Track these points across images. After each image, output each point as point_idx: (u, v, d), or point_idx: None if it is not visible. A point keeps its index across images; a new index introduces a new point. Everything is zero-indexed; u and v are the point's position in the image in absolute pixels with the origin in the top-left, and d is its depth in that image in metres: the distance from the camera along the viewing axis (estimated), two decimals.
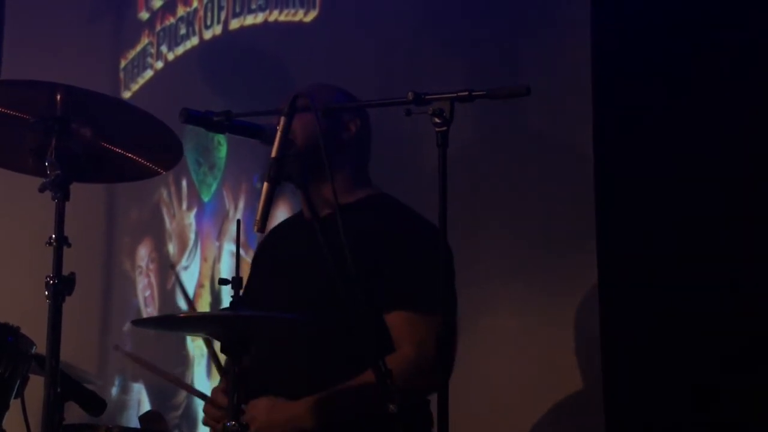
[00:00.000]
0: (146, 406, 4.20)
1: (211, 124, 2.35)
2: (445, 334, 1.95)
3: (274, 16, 4.02)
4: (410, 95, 2.10)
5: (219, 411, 2.38)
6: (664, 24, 2.88)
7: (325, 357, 2.39)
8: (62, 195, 2.08)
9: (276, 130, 2.33)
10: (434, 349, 1.98)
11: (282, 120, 2.06)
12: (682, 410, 2.70)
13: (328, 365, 2.38)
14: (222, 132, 2.38)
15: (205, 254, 4.22)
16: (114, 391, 4.39)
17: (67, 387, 2.13)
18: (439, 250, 2.00)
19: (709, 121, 2.78)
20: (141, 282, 4.44)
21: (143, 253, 4.46)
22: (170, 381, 2.48)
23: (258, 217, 1.98)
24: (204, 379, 4.08)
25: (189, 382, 4.11)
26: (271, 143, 2.37)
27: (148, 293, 4.42)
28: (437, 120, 2.08)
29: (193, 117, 2.33)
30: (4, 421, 2.33)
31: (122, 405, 4.33)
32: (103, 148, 2.20)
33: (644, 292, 2.80)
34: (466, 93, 2.10)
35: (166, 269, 4.34)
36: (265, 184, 2.00)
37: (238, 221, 2.27)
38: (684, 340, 2.72)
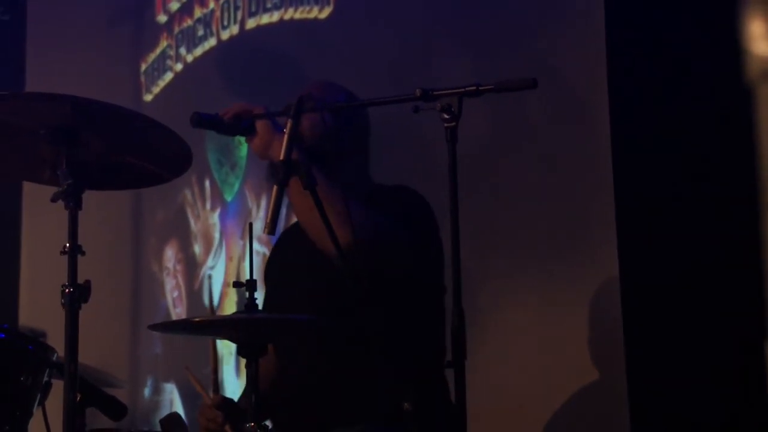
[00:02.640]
0: (178, 407, 4.24)
1: (221, 126, 2.38)
2: (458, 324, 1.95)
3: (290, 14, 4.03)
4: (418, 92, 2.11)
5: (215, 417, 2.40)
6: (678, 12, 2.86)
7: (338, 358, 2.40)
8: (75, 204, 2.10)
9: (281, 130, 2.35)
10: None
11: (288, 123, 2.07)
12: (707, 399, 2.68)
13: (342, 365, 2.39)
14: (233, 134, 2.41)
15: (230, 254, 4.24)
16: (146, 392, 4.43)
17: (87, 393, 2.15)
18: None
19: (727, 110, 2.75)
20: (169, 283, 4.48)
21: (170, 254, 4.50)
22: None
23: (268, 220, 1.99)
24: (233, 378, 4.11)
25: (218, 380, 4.15)
26: None
27: (176, 294, 4.46)
28: (446, 116, 2.08)
29: (204, 120, 2.35)
30: (28, 429, 2.37)
31: (155, 406, 4.36)
32: (113, 156, 2.22)
33: (666, 282, 2.78)
34: (474, 88, 2.11)
35: (193, 270, 4.37)
36: (274, 187, 2.01)
37: (250, 224, 2.28)
38: (708, 328, 2.70)
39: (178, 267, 4.46)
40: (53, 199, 2.12)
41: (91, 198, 2.15)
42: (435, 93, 2.10)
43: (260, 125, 2.37)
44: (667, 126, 2.84)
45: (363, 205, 2.29)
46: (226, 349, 4.15)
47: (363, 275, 2.02)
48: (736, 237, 2.68)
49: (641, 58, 2.90)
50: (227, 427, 2.42)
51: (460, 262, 1.99)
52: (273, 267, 2.68)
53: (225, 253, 4.27)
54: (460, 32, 3.44)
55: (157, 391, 4.37)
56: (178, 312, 4.39)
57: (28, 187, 4.90)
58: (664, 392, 2.74)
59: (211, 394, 2.46)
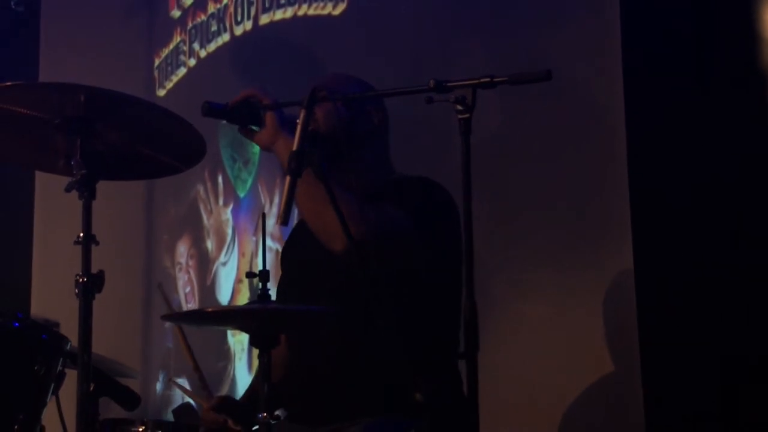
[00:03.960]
0: (190, 400, 4.24)
1: (231, 116, 2.37)
2: (470, 316, 1.94)
3: (303, 10, 4.03)
4: (431, 83, 2.09)
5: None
6: (694, 6, 2.85)
7: (350, 350, 2.40)
8: (89, 194, 2.11)
9: (295, 121, 2.35)
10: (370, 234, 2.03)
11: (302, 113, 2.06)
12: (722, 395, 2.67)
13: (354, 356, 2.39)
14: (243, 124, 2.40)
15: (242, 249, 4.25)
16: (158, 386, 4.44)
17: (100, 382, 2.15)
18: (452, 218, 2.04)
19: (744, 106, 2.74)
20: (181, 278, 4.49)
21: (182, 249, 4.50)
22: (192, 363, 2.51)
23: (280, 210, 1.98)
24: (245, 374, 4.11)
25: (230, 376, 4.15)
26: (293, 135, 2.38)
27: (188, 289, 4.46)
28: (459, 107, 2.07)
29: (214, 110, 2.35)
30: (42, 418, 2.38)
31: (166, 400, 4.37)
32: (127, 146, 2.22)
33: (681, 277, 2.77)
34: (488, 79, 2.09)
35: (206, 265, 4.38)
36: (287, 178, 2.00)
37: (263, 214, 2.28)
38: (723, 324, 2.69)
39: (191, 263, 4.47)
40: (67, 189, 2.12)
41: (102, 190, 2.16)
42: (449, 84, 2.09)
43: (269, 117, 2.36)
44: (682, 120, 2.83)
45: (373, 201, 2.27)
46: (239, 344, 4.15)
47: (373, 269, 2.02)
48: (752, 232, 2.67)
49: (657, 51, 2.89)
50: (230, 423, 2.43)
51: (473, 254, 1.98)
52: (286, 259, 2.68)
53: (237, 249, 4.27)
54: (475, 24, 3.44)
55: (168, 385, 4.38)
56: (190, 307, 4.40)
57: (40, 177, 4.91)
58: (678, 387, 2.73)
59: (201, 392, 2.46)
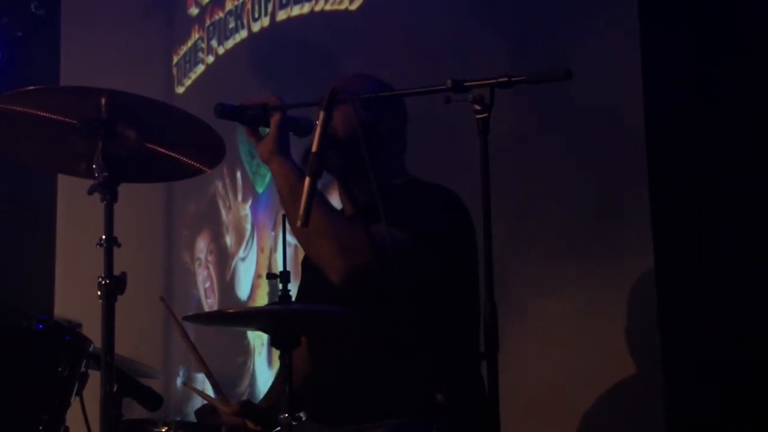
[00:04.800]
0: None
1: (245, 118, 2.38)
2: (490, 316, 1.95)
3: (320, 5, 4.03)
4: (449, 82, 2.08)
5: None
6: (715, 5, 2.84)
7: (371, 352, 2.41)
8: (111, 196, 2.13)
9: (311, 123, 2.35)
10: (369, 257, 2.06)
11: (321, 114, 2.07)
12: (745, 394, 2.66)
13: (374, 358, 2.40)
14: (256, 126, 2.41)
15: (261, 245, 4.26)
16: (178, 382, 4.46)
17: (123, 383, 2.17)
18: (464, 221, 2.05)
19: (765, 103, 2.73)
20: (201, 274, 4.51)
21: (202, 245, 4.52)
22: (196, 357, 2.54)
23: (301, 211, 1.99)
24: (265, 369, 4.13)
25: (250, 371, 4.17)
26: (304, 135, 2.39)
27: (207, 285, 4.48)
28: (477, 107, 2.07)
29: (227, 112, 2.36)
30: (66, 418, 2.40)
31: (187, 396, 4.39)
32: (148, 148, 2.23)
33: (703, 274, 2.77)
34: (506, 79, 2.08)
35: (225, 261, 4.39)
36: (307, 179, 2.01)
37: (284, 215, 2.29)
38: (745, 322, 2.68)
39: (210, 258, 4.49)
40: (90, 192, 2.14)
41: (122, 191, 2.17)
42: (466, 84, 2.08)
43: (273, 122, 2.37)
44: (702, 117, 2.81)
45: (374, 219, 2.26)
46: (258, 340, 4.17)
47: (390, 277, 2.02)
48: None
49: (676, 48, 2.88)
50: (250, 424, 2.45)
51: (492, 255, 1.98)
52: (306, 264, 2.68)
53: (256, 244, 4.29)
54: (492, 20, 3.43)
55: (189, 381, 4.40)
56: (210, 303, 4.42)
57: (62, 180, 4.94)
58: (701, 387, 2.72)
59: (218, 396, 2.48)
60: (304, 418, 2.20)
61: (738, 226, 2.72)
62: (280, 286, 2.17)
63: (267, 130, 2.41)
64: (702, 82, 2.83)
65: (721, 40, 2.81)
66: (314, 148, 2.03)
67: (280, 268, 2.20)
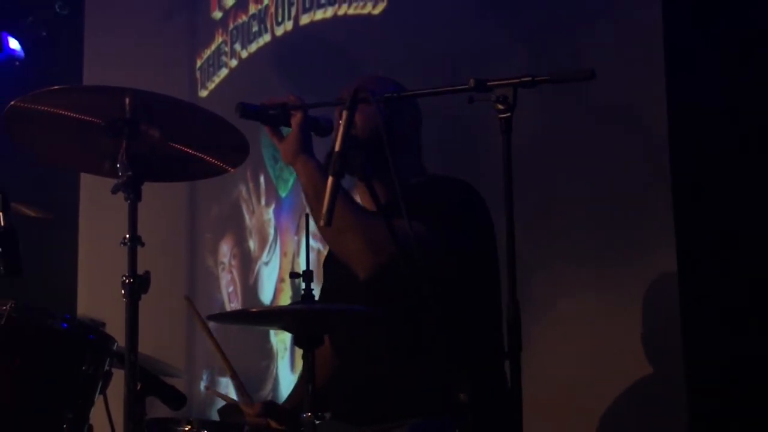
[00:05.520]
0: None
1: (266, 118, 2.39)
2: (514, 316, 1.94)
3: (344, 9, 4.04)
4: (472, 82, 2.08)
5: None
6: (737, 4, 2.82)
7: (396, 351, 2.40)
8: (135, 195, 2.14)
9: (331, 122, 2.36)
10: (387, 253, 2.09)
11: (345, 114, 2.07)
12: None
13: (398, 357, 2.39)
14: (277, 125, 2.43)
15: (284, 249, 4.27)
16: (202, 385, 4.47)
17: (146, 382, 2.18)
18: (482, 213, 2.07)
19: None
20: (224, 278, 4.52)
21: (225, 249, 4.54)
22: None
23: (324, 211, 1.99)
24: (288, 373, 4.13)
25: (273, 375, 4.18)
26: (325, 135, 2.40)
27: (231, 289, 4.49)
28: (500, 106, 2.06)
29: (248, 111, 2.37)
30: (90, 417, 2.41)
31: (210, 399, 4.40)
32: (171, 148, 2.25)
33: (725, 275, 2.75)
34: (530, 79, 2.07)
35: (249, 264, 4.40)
36: (330, 178, 2.01)
37: (307, 215, 2.30)
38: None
39: (233, 262, 4.50)
40: (114, 191, 2.15)
41: (145, 191, 2.18)
42: (489, 83, 2.08)
43: (294, 122, 2.39)
44: (725, 120, 2.80)
45: (396, 216, 2.26)
46: (281, 344, 4.17)
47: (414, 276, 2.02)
48: None
49: (700, 50, 2.87)
50: (273, 424, 2.45)
51: (515, 253, 1.97)
52: (328, 267, 2.69)
53: (279, 248, 4.30)
54: (514, 20, 3.43)
55: (212, 384, 4.41)
56: (233, 307, 4.43)
57: (85, 178, 4.97)
58: (723, 388, 2.70)
59: (241, 398, 2.48)
60: (327, 418, 2.20)
61: (762, 227, 2.70)
62: (303, 285, 2.18)
63: (288, 130, 2.42)
64: (727, 80, 2.81)
65: (746, 37, 2.80)
66: (337, 148, 2.03)
67: (304, 268, 2.20)
